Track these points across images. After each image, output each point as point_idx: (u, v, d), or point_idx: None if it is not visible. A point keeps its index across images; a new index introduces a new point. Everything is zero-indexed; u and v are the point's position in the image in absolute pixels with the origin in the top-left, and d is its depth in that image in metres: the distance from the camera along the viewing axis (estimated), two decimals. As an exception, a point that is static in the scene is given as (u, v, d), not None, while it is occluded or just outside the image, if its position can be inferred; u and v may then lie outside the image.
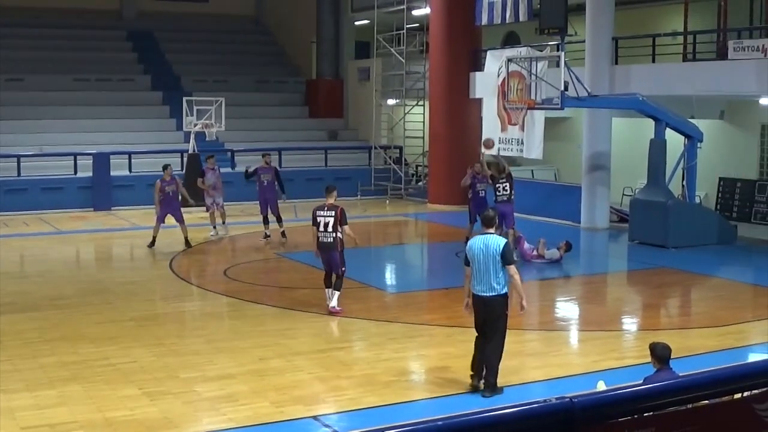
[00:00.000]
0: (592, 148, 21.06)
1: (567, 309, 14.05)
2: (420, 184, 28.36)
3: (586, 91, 18.65)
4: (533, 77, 18.66)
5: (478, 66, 24.48)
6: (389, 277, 17.06)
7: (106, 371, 10.00)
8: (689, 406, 3.83)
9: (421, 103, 27.97)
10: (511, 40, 29.09)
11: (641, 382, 4.94)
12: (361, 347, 11.39)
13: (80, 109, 27.72)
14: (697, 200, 20.31)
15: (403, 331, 11.86)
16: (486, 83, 22.86)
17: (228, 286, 14.87)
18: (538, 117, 20.48)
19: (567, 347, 11.81)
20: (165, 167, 18.27)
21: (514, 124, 21.01)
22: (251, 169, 19.38)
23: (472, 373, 9.36)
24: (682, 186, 19.50)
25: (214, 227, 19.72)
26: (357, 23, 31.59)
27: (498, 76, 21.04)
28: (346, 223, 12.46)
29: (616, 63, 20.88)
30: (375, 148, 28.55)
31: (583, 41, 20.68)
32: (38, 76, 28.42)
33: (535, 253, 16.58)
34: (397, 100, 29.11)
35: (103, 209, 23.85)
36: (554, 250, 16.70)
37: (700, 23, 23.55)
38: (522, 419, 3.51)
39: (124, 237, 20.61)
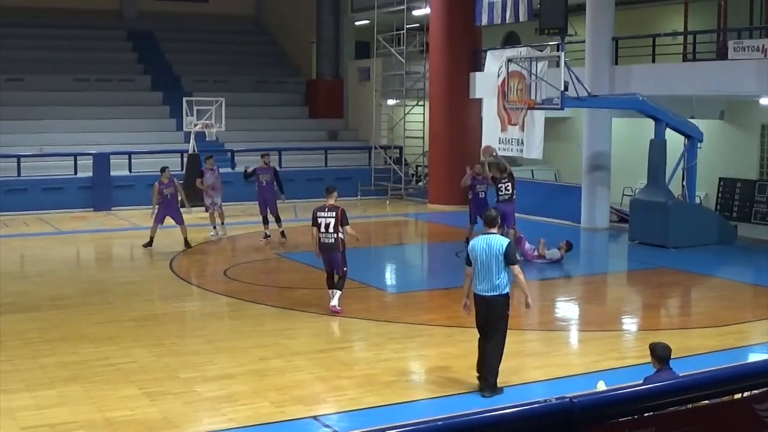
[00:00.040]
0: (592, 148, 21.06)
1: (567, 309, 14.06)
2: (420, 184, 28.34)
3: (586, 91, 18.65)
4: (533, 77, 18.66)
5: (478, 66, 24.48)
6: (389, 277, 17.06)
7: (107, 371, 10.00)
8: (689, 406, 3.83)
9: (421, 103, 27.96)
10: (511, 40, 29.09)
11: (641, 382, 4.95)
12: (362, 347, 11.38)
13: (80, 109, 27.71)
14: (697, 200, 20.30)
15: (403, 331, 11.86)
16: (486, 83, 22.88)
17: (228, 286, 14.88)
18: (538, 117, 20.50)
19: (567, 347, 11.81)
20: (163, 169, 18.14)
21: (514, 124, 21.04)
22: (250, 170, 19.38)
23: (478, 374, 9.31)
24: (682, 186, 19.50)
25: (214, 227, 19.70)
26: (357, 23, 31.58)
27: (498, 76, 21.07)
28: (347, 224, 12.46)
29: (616, 63, 20.87)
30: (375, 148, 28.54)
31: (583, 41, 20.68)
32: (38, 76, 28.41)
33: (536, 253, 16.59)
34: (397, 100, 29.10)
35: (104, 209, 23.84)
36: (555, 250, 16.71)
37: (700, 23, 23.55)
38: (522, 419, 3.51)
39: (124, 237, 20.59)
